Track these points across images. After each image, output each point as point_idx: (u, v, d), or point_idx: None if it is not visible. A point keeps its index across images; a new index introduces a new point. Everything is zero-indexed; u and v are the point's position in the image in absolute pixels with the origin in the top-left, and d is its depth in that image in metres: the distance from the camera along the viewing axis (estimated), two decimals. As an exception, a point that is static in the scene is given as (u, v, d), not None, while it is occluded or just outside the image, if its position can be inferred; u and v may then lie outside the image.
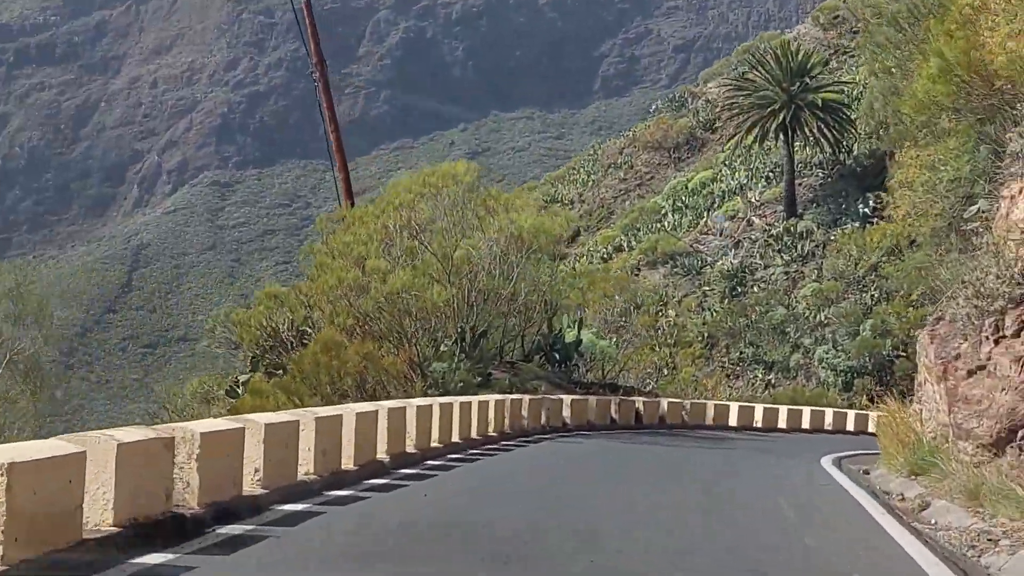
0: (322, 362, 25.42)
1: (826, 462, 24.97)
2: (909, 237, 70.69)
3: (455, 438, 22.76)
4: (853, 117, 79.04)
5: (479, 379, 28.09)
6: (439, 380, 26.39)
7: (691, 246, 78.80)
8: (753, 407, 38.13)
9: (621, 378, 37.31)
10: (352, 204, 33.15)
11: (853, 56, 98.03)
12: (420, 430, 20.34)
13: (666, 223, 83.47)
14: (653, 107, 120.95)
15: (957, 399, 19.32)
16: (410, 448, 20.13)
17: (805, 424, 39.66)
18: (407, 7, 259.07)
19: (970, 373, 19.43)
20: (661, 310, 75.38)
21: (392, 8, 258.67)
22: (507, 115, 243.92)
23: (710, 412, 35.91)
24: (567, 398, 29.09)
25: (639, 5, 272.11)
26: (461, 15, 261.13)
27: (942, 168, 22.55)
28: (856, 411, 43.91)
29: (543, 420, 28.52)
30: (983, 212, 22.51)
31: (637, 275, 79.91)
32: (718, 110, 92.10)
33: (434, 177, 29.78)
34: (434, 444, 21.41)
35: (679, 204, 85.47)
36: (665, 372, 44.56)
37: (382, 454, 18.80)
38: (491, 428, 25.26)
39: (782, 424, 38.80)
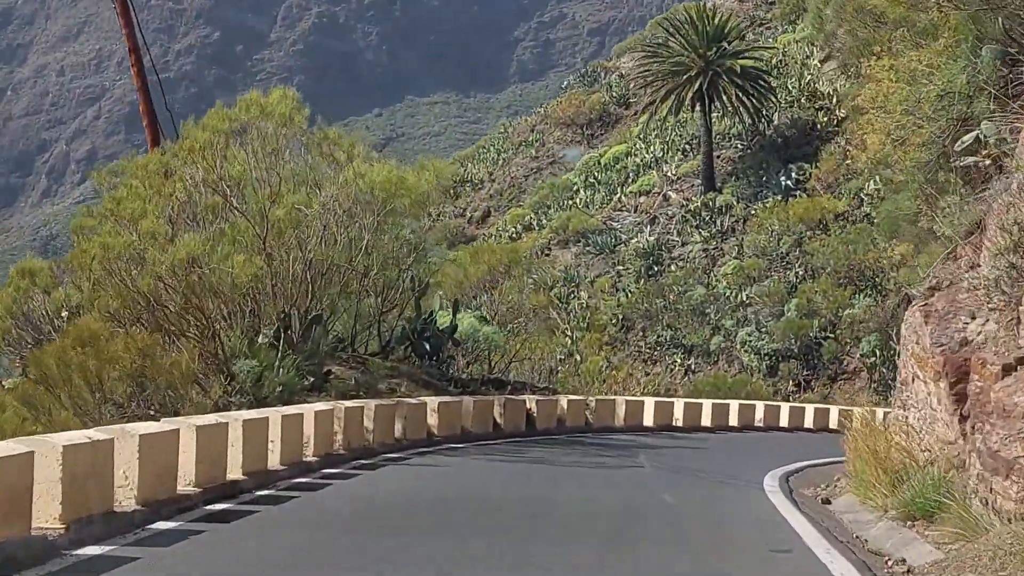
0: (74, 361, 17.94)
1: (770, 485, 18.13)
2: (835, 209, 64.62)
3: (236, 472, 15.40)
4: (774, 85, 72.60)
5: (311, 380, 20.94)
6: (249, 383, 19.18)
7: (604, 223, 72.05)
8: (672, 403, 31.24)
9: (514, 372, 30.27)
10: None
11: (770, 27, 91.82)
12: (147, 471, 12.93)
13: (578, 200, 76.58)
14: (565, 83, 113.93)
15: (987, 410, 12.15)
16: (125, 501, 12.76)
17: (733, 420, 32.88)
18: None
19: (1007, 370, 12.25)
20: (573, 291, 68.55)
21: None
22: (422, 100, 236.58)
23: (620, 410, 29.06)
24: (433, 401, 21.93)
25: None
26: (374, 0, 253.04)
27: (926, 81, 15.67)
28: (791, 404, 37.24)
29: (398, 433, 21.34)
30: (986, 137, 15.42)
31: (548, 255, 73.04)
32: (631, 81, 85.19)
33: (247, 113, 22.28)
34: (187, 489, 14.07)
35: (591, 180, 78.66)
36: (571, 363, 37.56)
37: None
38: (310, 451, 18.11)
39: (706, 421, 31.96)
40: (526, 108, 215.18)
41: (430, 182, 24.81)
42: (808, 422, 35.40)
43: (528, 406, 25.45)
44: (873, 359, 57.19)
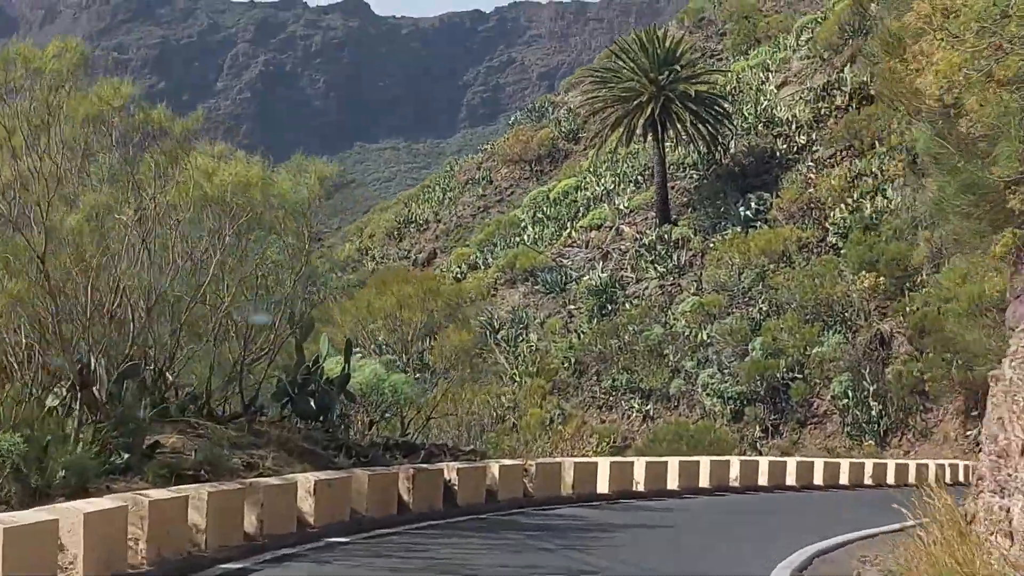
0: None
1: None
2: (799, 240, 58.96)
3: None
4: (729, 111, 67.08)
5: (126, 457, 14.66)
6: (20, 466, 12.93)
7: (554, 260, 66.03)
8: (631, 463, 25.05)
9: (435, 432, 23.96)
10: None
11: (722, 59, 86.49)
12: None
13: (526, 236, 70.55)
14: (512, 119, 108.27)
15: None
16: None
17: (704, 480, 26.76)
18: (265, 39, 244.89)
19: None
20: (521, 334, 62.48)
21: (250, 41, 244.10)
22: (372, 146, 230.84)
23: (569, 475, 22.94)
24: (308, 479, 15.77)
25: (502, 34, 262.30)
26: (321, 47, 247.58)
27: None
28: (770, 458, 31.22)
29: (252, 528, 15.06)
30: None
31: (494, 295, 66.89)
32: (580, 108, 79.31)
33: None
34: None
35: (540, 215, 72.68)
36: (512, 416, 31.16)
37: None
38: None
39: (672, 483, 25.81)
40: (476, 153, 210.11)
41: (312, 189, 18.81)
42: (791, 478, 29.32)
43: (447, 477, 19.26)
44: (845, 400, 51.61)
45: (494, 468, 21.05)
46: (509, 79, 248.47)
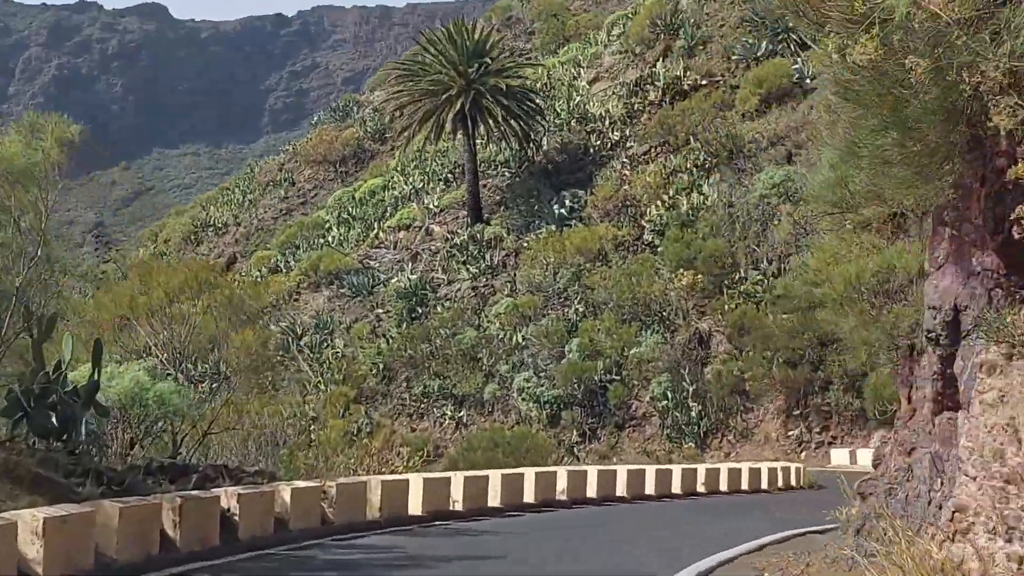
0: None
1: None
2: (615, 238, 56.60)
3: None
4: (542, 106, 64.45)
5: None
6: None
7: (360, 262, 62.36)
8: (447, 479, 21.67)
9: (218, 450, 20.10)
10: None
11: (531, 59, 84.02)
12: None
13: (331, 238, 66.71)
14: (316, 118, 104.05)
15: None
16: None
17: (529, 495, 23.60)
18: (59, 43, 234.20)
19: None
20: (326, 339, 58.73)
21: (44, 44, 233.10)
22: (171, 152, 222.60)
23: (375, 495, 19.50)
24: (36, 517, 12.01)
25: (305, 38, 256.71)
26: (118, 50, 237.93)
27: None
28: (598, 467, 28.31)
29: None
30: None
31: (297, 299, 62.92)
32: (388, 102, 75.64)
33: None
34: None
35: (345, 216, 68.92)
36: (310, 429, 27.27)
37: None
38: None
39: (494, 499, 22.56)
40: (279, 154, 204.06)
41: (49, 152, 14.94)
42: (621, 488, 26.40)
43: (225, 505, 15.58)
44: (665, 402, 49.43)
45: (285, 492, 17.46)
46: (313, 84, 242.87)
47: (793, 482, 33.24)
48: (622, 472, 26.98)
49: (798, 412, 47.30)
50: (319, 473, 19.64)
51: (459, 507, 21.91)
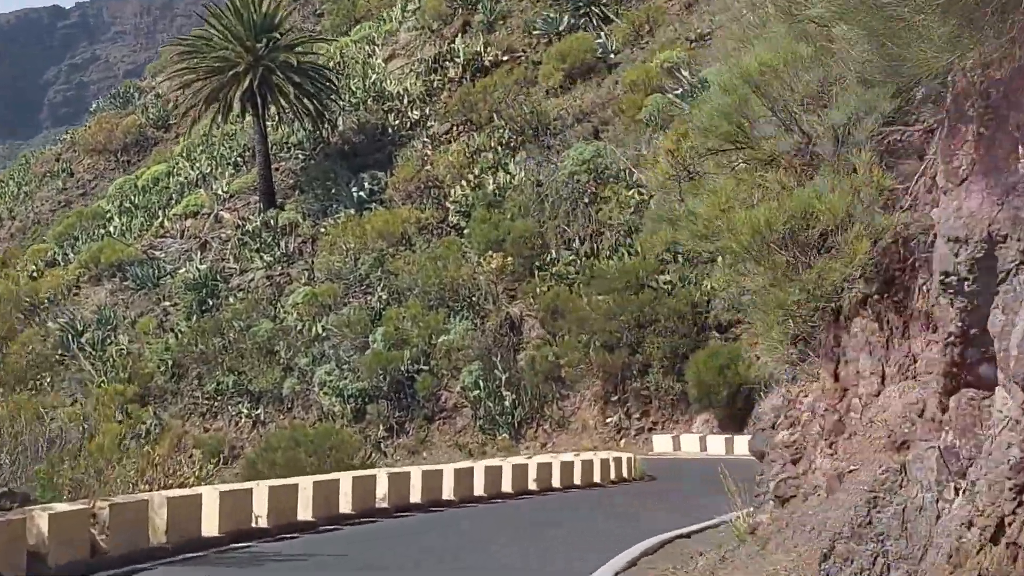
0: None
1: None
2: (418, 221, 53.14)
3: None
4: (336, 85, 60.51)
5: None
6: None
7: (145, 252, 57.35)
8: (249, 491, 17.84)
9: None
10: None
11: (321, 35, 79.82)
12: None
13: (112, 228, 61.38)
14: (95, 106, 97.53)
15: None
16: None
17: (345, 504, 19.92)
18: None
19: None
20: (109, 335, 53.69)
21: None
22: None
23: (161, 517, 15.60)
24: None
25: (85, 31, 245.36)
26: None
27: None
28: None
29: None
30: None
31: (77, 294, 57.55)
32: (170, 79, 70.37)
33: None
34: None
35: (128, 205, 63.59)
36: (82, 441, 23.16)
37: None
38: None
39: (305, 512, 18.81)
40: (56, 144, 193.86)
41: None
42: (448, 491, 22.96)
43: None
44: (476, 392, 46.51)
45: (41, 518, 13.49)
46: (94, 77, 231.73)
47: (626, 473, 30.39)
48: (448, 473, 23.54)
49: (616, 398, 44.72)
50: (89, 492, 15.64)
51: (264, 523, 18.14)
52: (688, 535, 17.66)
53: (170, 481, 18.02)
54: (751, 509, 14.06)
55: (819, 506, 10.33)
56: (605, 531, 18.46)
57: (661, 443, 41.85)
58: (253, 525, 17.92)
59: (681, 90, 51.45)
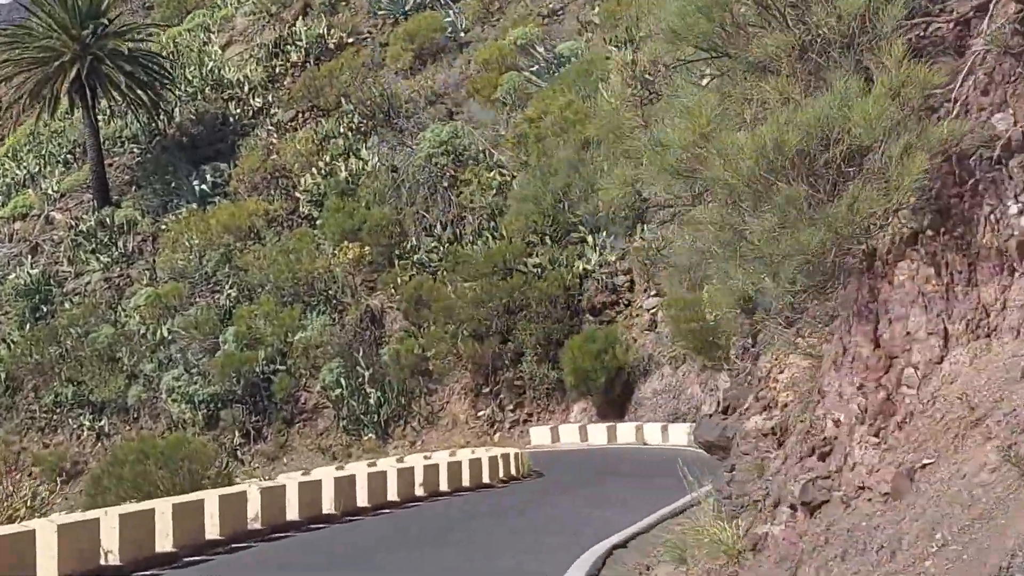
0: None
1: None
2: (267, 213, 49.63)
3: None
4: (172, 74, 56.38)
5: None
6: None
7: (-32, 259, 52.55)
8: (96, 522, 14.49)
9: None
10: None
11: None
12: None
13: (-72, 234, 56.21)
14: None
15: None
16: None
17: (212, 528, 16.66)
18: None
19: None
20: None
21: None
22: None
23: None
24: None
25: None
26: None
27: None
28: (298, 476, 21.73)
29: None
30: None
31: None
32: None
33: None
34: None
35: (-53, 209, 58.33)
36: None
37: None
38: None
39: (165, 542, 15.52)
40: None
41: None
42: (328, 503, 19.84)
43: None
44: (338, 391, 43.41)
45: None
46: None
47: (514, 471, 27.60)
48: (328, 483, 20.43)
49: (488, 389, 41.97)
50: None
51: (116, 559, 14.84)
52: (625, 543, 14.98)
53: (4, 509, 14.61)
54: (729, 514, 11.38)
55: (883, 516, 7.58)
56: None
57: (539, 435, 39.22)
58: (103, 563, 14.57)
59: (537, 67, 48.99)
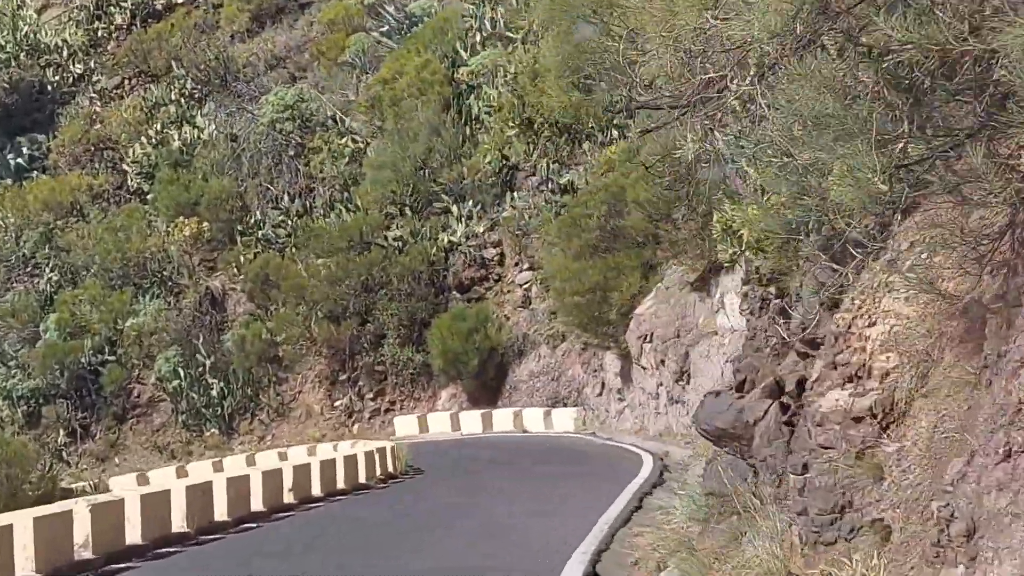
0: None
1: None
2: (91, 188, 44.50)
3: None
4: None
5: None
6: None
7: None
8: None
9: None
10: None
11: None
12: None
13: None
14: None
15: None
16: None
17: (25, 561, 12.27)
18: None
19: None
20: None
21: None
22: None
23: None
24: None
25: None
26: None
27: None
28: (138, 489, 17.19)
29: None
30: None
31: None
32: None
33: None
34: None
35: None
36: None
37: None
38: None
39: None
40: None
41: None
42: (178, 520, 15.48)
43: None
44: (176, 382, 38.80)
45: None
46: None
47: (392, 467, 23.54)
48: (178, 494, 16.03)
49: (346, 376, 37.77)
50: None
51: None
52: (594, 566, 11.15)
53: None
54: (809, 538, 7.61)
55: None
56: None
57: (405, 425, 35.14)
58: None
59: (387, 27, 44.83)
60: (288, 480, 19.20)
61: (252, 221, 40.84)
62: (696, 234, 23.92)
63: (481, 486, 19.97)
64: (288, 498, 19.05)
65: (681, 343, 25.99)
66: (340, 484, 20.77)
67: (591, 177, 33.14)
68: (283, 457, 29.79)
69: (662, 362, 26.83)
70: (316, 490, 20.02)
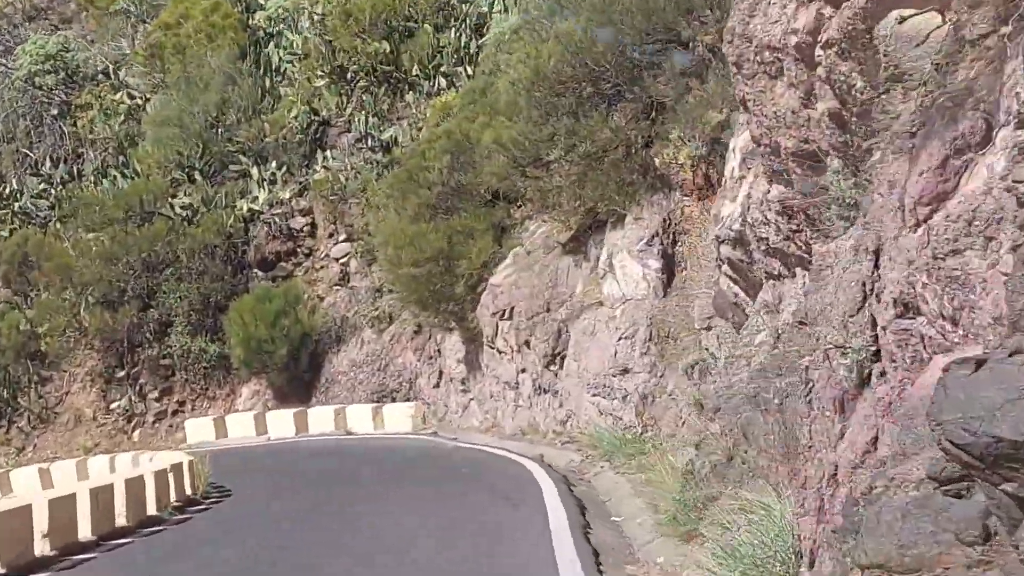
0: None
1: None
2: None
3: None
4: None
5: None
6: None
7: None
8: None
9: None
10: None
11: None
12: None
13: None
14: None
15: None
16: None
17: None
18: None
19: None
20: None
21: None
22: None
23: None
24: None
25: None
26: None
27: None
28: None
29: None
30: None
31: None
32: None
33: None
34: None
35: None
36: None
37: None
38: None
39: None
40: None
41: None
42: None
43: None
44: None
45: None
46: None
47: (189, 488, 17.21)
48: None
49: (124, 373, 30.96)
50: None
51: None
52: None
53: None
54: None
55: None
56: None
57: (198, 430, 28.61)
58: None
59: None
60: (42, 521, 12.75)
61: (7, 191, 33.55)
62: (580, 178, 18.43)
63: (319, 518, 13.88)
64: (42, 547, 12.60)
65: (552, 318, 20.43)
66: (120, 519, 14.40)
67: (424, 129, 27.32)
68: (44, 474, 23.07)
69: (526, 343, 21.24)
70: (85, 530, 13.60)
